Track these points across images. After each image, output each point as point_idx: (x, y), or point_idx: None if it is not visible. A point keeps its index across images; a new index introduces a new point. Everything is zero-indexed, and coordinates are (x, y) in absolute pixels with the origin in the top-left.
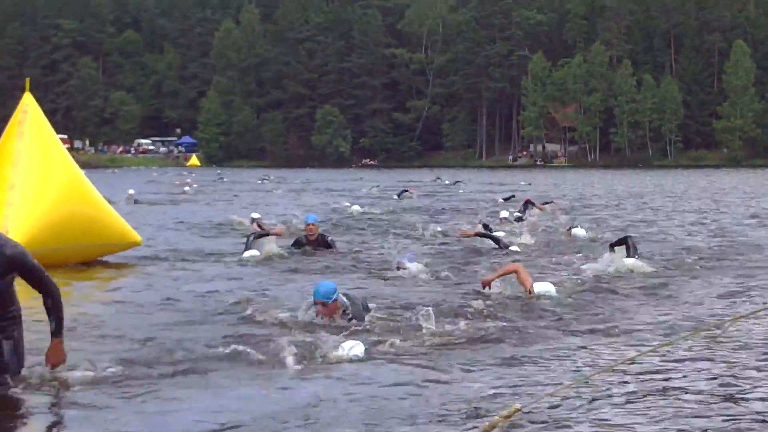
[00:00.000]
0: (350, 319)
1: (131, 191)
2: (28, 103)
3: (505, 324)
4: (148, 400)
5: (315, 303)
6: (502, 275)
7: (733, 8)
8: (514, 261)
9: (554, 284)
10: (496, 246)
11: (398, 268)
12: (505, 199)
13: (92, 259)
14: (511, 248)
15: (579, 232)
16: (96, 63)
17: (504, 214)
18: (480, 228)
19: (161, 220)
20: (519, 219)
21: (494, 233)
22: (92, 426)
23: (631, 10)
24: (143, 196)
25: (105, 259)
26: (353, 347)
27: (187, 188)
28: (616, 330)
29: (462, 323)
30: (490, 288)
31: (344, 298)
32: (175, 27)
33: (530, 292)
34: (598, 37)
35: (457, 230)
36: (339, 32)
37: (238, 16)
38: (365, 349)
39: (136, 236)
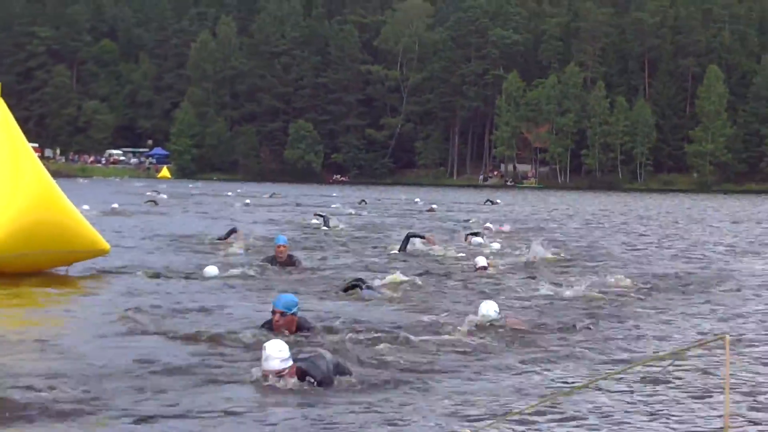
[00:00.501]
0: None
1: (115, 205)
2: None
3: (456, 350)
4: (101, 419)
5: (273, 312)
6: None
7: (707, 33)
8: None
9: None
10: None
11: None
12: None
13: (60, 265)
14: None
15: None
16: (70, 71)
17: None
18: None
19: (131, 230)
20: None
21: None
22: None
23: (606, 33)
24: (106, 206)
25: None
26: None
27: (155, 198)
28: (560, 358)
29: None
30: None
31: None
32: (152, 37)
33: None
34: (573, 58)
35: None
36: (315, 47)
37: (215, 29)
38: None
39: (105, 244)
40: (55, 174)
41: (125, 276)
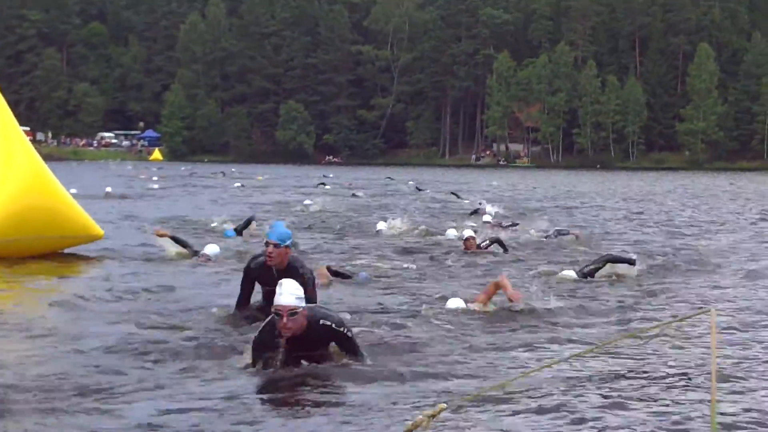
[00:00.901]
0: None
1: (108, 188)
2: None
3: (435, 328)
4: (93, 403)
5: (266, 244)
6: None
7: (698, 11)
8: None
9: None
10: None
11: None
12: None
13: (53, 251)
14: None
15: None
16: (60, 54)
17: (487, 218)
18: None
19: (126, 214)
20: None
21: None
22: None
23: (596, 11)
24: (100, 190)
25: (67, 251)
26: None
27: (155, 185)
28: (552, 333)
29: (399, 328)
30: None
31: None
32: (141, 20)
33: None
34: (564, 37)
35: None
36: (305, 28)
37: (204, 10)
38: None
39: (98, 229)
40: (47, 157)
41: (117, 261)
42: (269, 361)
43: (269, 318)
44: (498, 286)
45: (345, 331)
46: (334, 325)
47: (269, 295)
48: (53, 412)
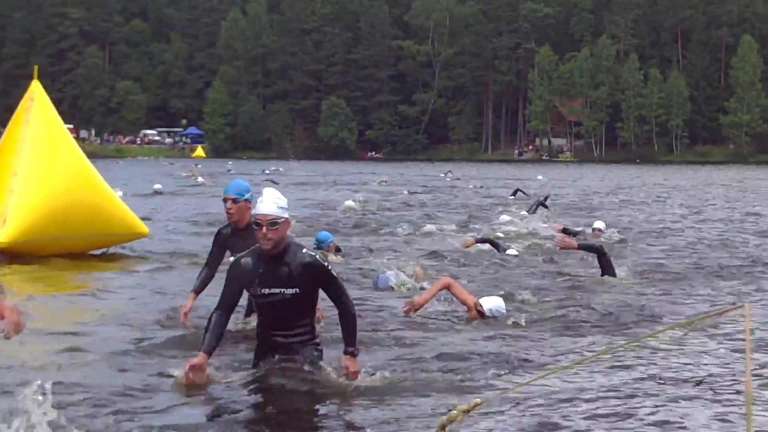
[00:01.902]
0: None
1: (157, 186)
2: (35, 90)
3: (462, 324)
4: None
5: (224, 200)
6: (434, 294)
7: (740, 3)
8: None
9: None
10: (496, 250)
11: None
12: (513, 194)
13: (96, 249)
14: (509, 252)
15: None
16: (102, 52)
17: (505, 218)
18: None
19: (171, 211)
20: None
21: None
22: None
23: (638, 4)
24: (146, 188)
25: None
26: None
27: (200, 179)
28: (581, 328)
29: (429, 322)
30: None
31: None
32: (182, 17)
33: (473, 309)
34: (605, 30)
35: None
36: (345, 23)
37: (245, 6)
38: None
39: (143, 227)
40: (91, 155)
41: (162, 261)
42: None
43: (253, 247)
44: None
45: (328, 266)
46: (318, 257)
47: None
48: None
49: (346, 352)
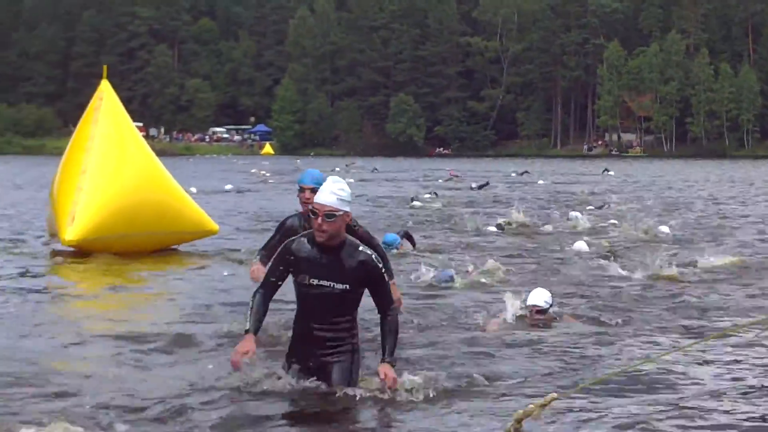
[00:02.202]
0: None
1: (228, 186)
2: (104, 90)
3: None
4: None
5: (301, 190)
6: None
7: None
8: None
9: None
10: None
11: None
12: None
13: (165, 246)
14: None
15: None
16: (172, 51)
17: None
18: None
19: (241, 210)
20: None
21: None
22: None
23: None
24: (218, 185)
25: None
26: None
27: (267, 176)
28: (657, 325)
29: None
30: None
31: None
32: (251, 15)
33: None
34: (675, 25)
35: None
36: (414, 20)
37: (313, 4)
38: None
39: (213, 225)
40: (160, 153)
41: (231, 258)
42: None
43: (309, 231)
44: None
45: (383, 269)
46: (374, 257)
47: None
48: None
49: (383, 361)
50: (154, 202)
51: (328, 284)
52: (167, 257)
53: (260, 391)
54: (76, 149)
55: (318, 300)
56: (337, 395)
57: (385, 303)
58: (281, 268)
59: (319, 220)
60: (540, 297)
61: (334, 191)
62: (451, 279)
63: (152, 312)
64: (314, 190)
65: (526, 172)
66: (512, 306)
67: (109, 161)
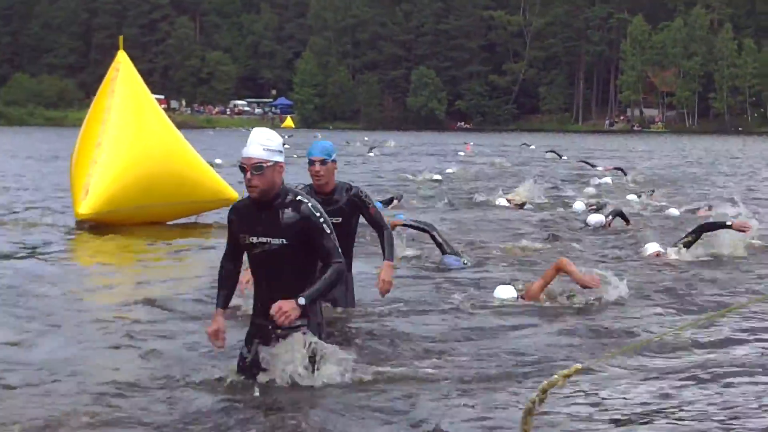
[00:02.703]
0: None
1: None
2: (121, 60)
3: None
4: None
5: (311, 162)
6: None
7: None
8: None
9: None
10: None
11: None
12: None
13: (184, 216)
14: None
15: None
16: (193, 23)
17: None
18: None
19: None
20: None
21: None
22: None
23: None
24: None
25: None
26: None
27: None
28: (682, 300)
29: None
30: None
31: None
32: None
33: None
34: (699, 0)
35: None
36: None
37: None
38: None
39: (232, 192)
40: (181, 125)
41: None
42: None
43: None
44: (559, 270)
45: (321, 222)
46: (310, 206)
47: None
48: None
49: (301, 296)
50: (171, 172)
51: (266, 240)
52: (188, 229)
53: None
54: (92, 122)
55: (261, 259)
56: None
57: (325, 257)
58: (230, 232)
59: (248, 174)
60: (505, 293)
61: (260, 142)
62: (459, 263)
63: (167, 286)
64: (324, 162)
65: (525, 144)
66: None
67: (125, 132)
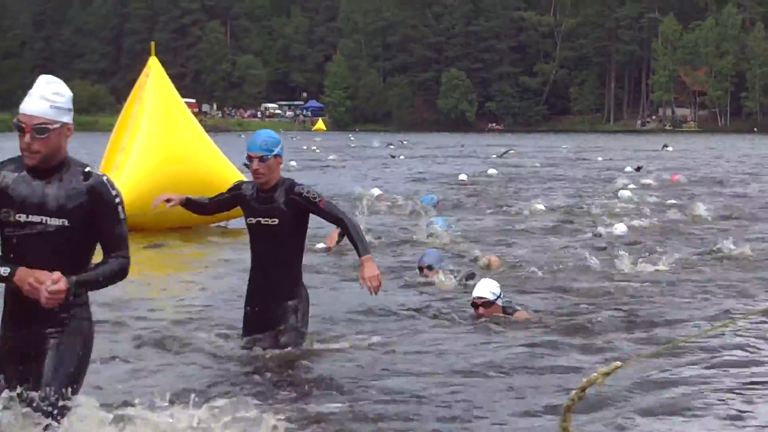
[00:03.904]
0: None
1: (292, 162)
2: (151, 66)
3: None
4: None
5: (249, 158)
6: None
7: None
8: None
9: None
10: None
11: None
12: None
13: (211, 222)
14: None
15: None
16: (224, 27)
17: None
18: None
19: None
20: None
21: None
22: None
23: None
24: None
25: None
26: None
27: (317, 151)
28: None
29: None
30: None
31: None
32: None
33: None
34: None
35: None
36: None
37: None
38: None
39: None
40: (213, 129)
41: None
42: None
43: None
44: None
45: (116, 198)
46: (105, 180)
47: (252, 229)
48: None
49: (71, 280)
50: (199, 177)
51: (39, 220)
52: (214, 235)
53: None
54: (119, 129)
55: (29, 243)
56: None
57: (110, 243)
58: None
59: (27, 137)
60: (485, 288)
61: (45, 96)
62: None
63: (197, 291)
64: (263, 159)
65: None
66: None
67: (151, 138)
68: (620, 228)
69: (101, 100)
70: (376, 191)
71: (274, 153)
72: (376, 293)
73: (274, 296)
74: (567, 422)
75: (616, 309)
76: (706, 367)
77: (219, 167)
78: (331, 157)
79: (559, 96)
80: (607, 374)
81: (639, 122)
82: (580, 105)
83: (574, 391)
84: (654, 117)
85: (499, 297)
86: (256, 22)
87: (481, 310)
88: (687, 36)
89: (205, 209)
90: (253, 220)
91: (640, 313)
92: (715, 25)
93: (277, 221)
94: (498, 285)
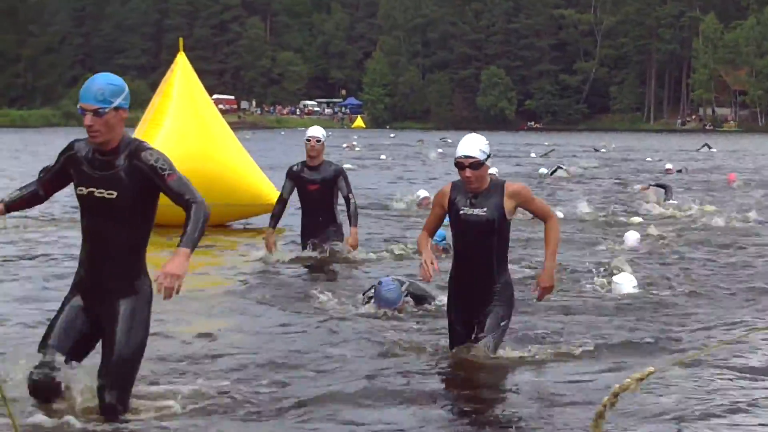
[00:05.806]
0: None
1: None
2: (178, 62)
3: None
4: None
5: (81, 111)
6: None
7: None
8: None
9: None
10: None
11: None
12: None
13: (230, 220)
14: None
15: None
16: (264, 23)
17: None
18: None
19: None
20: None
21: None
22: None
23: None
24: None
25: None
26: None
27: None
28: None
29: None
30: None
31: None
32: None
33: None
34: None
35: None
36: None
37: None
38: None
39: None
40: (252, 125)
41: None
42: None
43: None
44: None
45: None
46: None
47: (82, 202)
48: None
49: None
50: (218, 175)
51: (100, 193)
52: (231, 234)
53: None
54: (144, 122)
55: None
56: None
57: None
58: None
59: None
60: (474, 145)
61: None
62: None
63: (219, 288)
64: (98, 113)
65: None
66: None
67: (171, 133)
68: (632, 237)
69: (141, 96)
70: (423, 193)
71: (115, 105)
72: (164, 296)
73: (104, 292)
74: (599, 428)
75: (646, 318)
76: (736, 376)
77: (242, 167)
78: (382, 156)
79: (599, 95)
80: (641, 380)
81: (679, 121)
82: (619, 104)
83: (607, 397)
84: (694, 116)
85: (489, 157)
86: (296, 18)
87: (468, 172)
88: (728, 35)
89: (37, 197)
90: (84, 191)
91: (671, 321)
92: (757, 24)
93: (114, 194)
94: (487, 142)
